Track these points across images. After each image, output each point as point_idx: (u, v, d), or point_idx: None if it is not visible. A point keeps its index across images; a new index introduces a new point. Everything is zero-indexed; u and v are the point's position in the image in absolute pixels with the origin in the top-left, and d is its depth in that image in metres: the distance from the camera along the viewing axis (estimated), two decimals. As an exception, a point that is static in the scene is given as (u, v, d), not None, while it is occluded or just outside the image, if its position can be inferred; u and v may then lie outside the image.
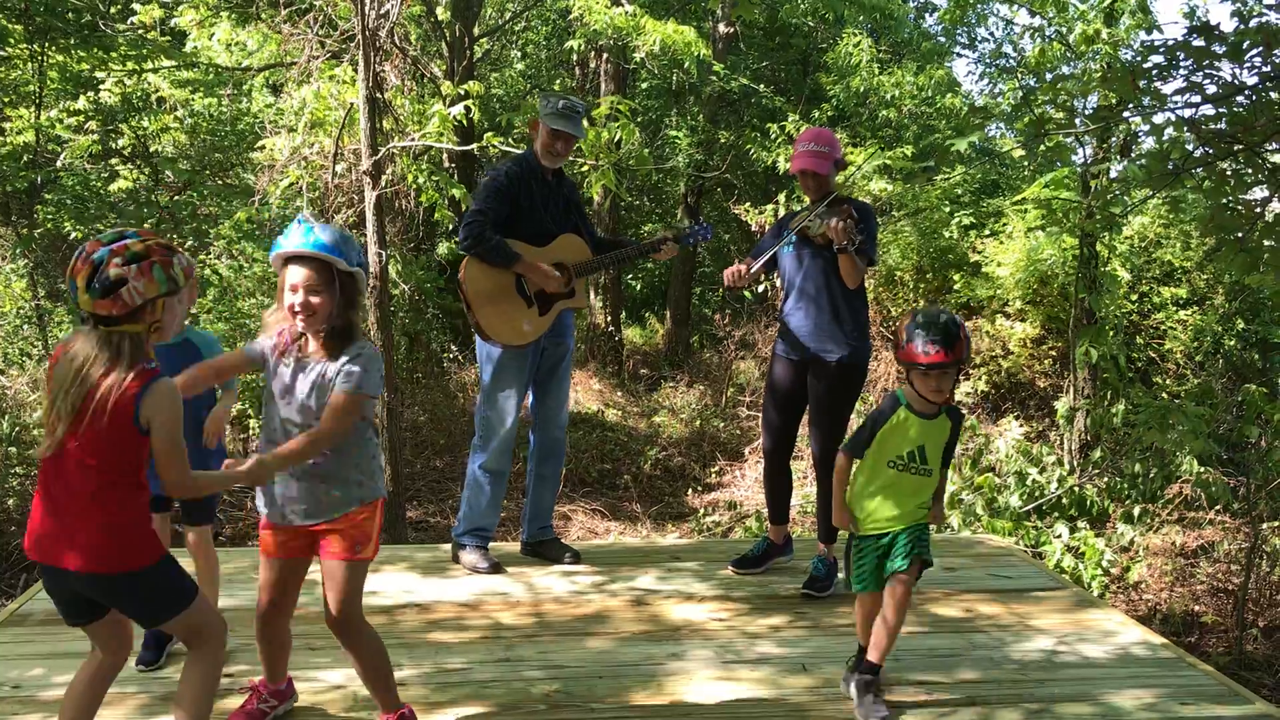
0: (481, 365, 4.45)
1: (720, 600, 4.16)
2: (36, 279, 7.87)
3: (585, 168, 7.60)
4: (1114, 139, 7.58)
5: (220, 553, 4.53)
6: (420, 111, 8.09)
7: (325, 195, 7.92)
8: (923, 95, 12.17)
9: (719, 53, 12.37)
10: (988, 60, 16.30)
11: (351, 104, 7.42)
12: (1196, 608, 5.90)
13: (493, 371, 4.36)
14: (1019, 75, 11.41)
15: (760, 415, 4.97)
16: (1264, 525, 6.16)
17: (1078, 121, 4.19)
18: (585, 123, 4.67)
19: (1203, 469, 6.80)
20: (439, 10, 10.35)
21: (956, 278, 9.57)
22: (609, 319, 12.97)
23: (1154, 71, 3.35)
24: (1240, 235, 3.57)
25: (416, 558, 4.64)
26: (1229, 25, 7.87)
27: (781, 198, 9.90)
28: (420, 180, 7.79)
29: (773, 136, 10.85)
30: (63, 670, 3.29)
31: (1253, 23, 3.31)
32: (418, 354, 10.27)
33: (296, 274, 2.66)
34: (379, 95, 7.16)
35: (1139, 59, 3.49)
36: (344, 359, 2.69)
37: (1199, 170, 3.56)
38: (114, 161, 8.70)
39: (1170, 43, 3.29)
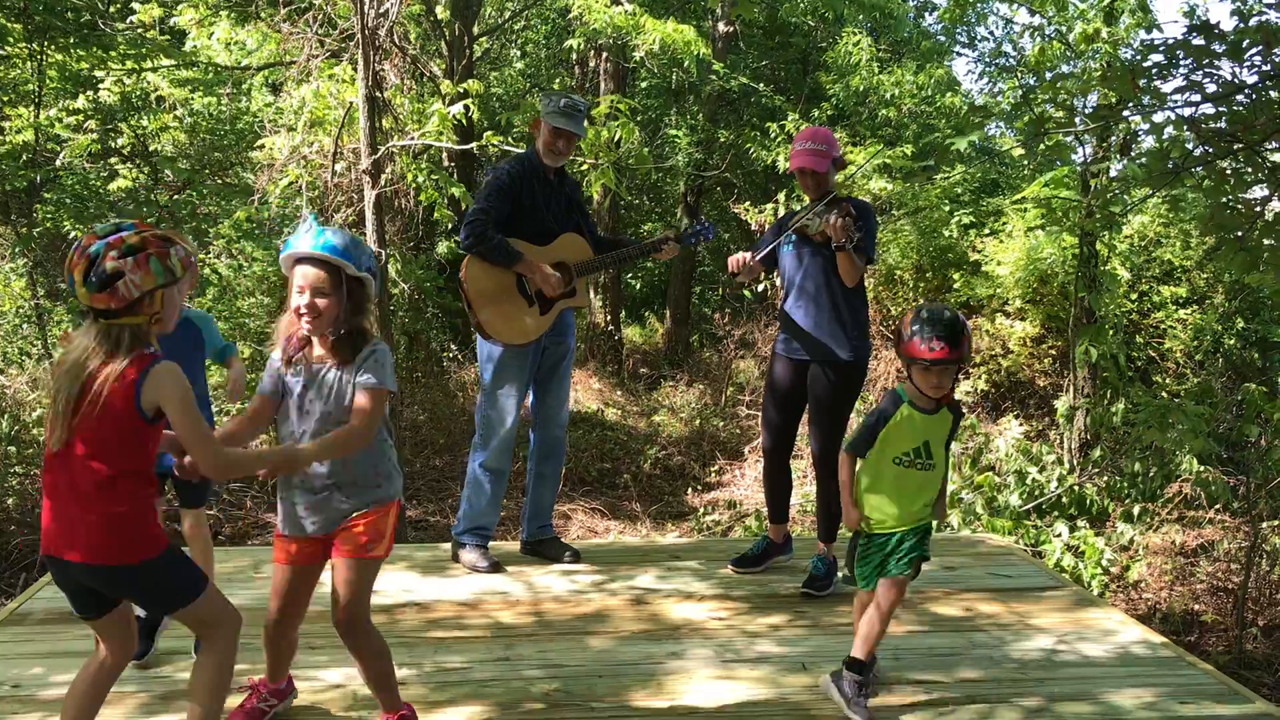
0: (482, 364, 4.45)
1: (720, 599, 4.16)
2: (36, 278, 7.87)
3: (585, 167, 7.60)
4: (1114, 138, 7.58)
5: (220, 552, 4.55)
6: (420, 110, 8.08)
7: (324, 194, 7.91)
8: (922, 94, 12.16)
9: (719, 52, 12.37)
10: (987, 59, 16.29)
11: (351, 103, 7.42)
12: (1196, 607, 5.90)
13: (493, 370, 4.36)
14: (1019, 74, 11.41)
15: (760, 414, 4.97)
16: (1264, 524, 6.16)
17: (1077, 120, 4.19)
18: (585, 122, 4.66)
19: (1202, 468, 6.80)
20: (438, 9, 10.34)
21: (956, 276, 9.57)
22: (609, 318, 12.97)
23: (1154, 70, 3.35)
24: (1240, 234, 3.57)
25: (416, 557, 4.64)
26: (1229, 24, 7.88)
27: (781, 197, 9.90)
28: (420, 179, 7.78)
29: (772, 135, 10.85)
30: (62, 669, 3.29)
31: (1252, 21, 3.31)
32: (417, 353, 10.27)
33: (304, 275, 2.65)
34: (378, 94, 7.16)
35: (1139, 58, 3.48)
36: (359, 361, 2.69)
37: (1199, 169, 3.56)
38: (113, 160, 8.70)
39: (1170, 41, 3.29)
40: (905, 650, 3.61)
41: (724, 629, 3.83)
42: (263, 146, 8.10)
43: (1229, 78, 3.32)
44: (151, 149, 8.73)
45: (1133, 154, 7.49)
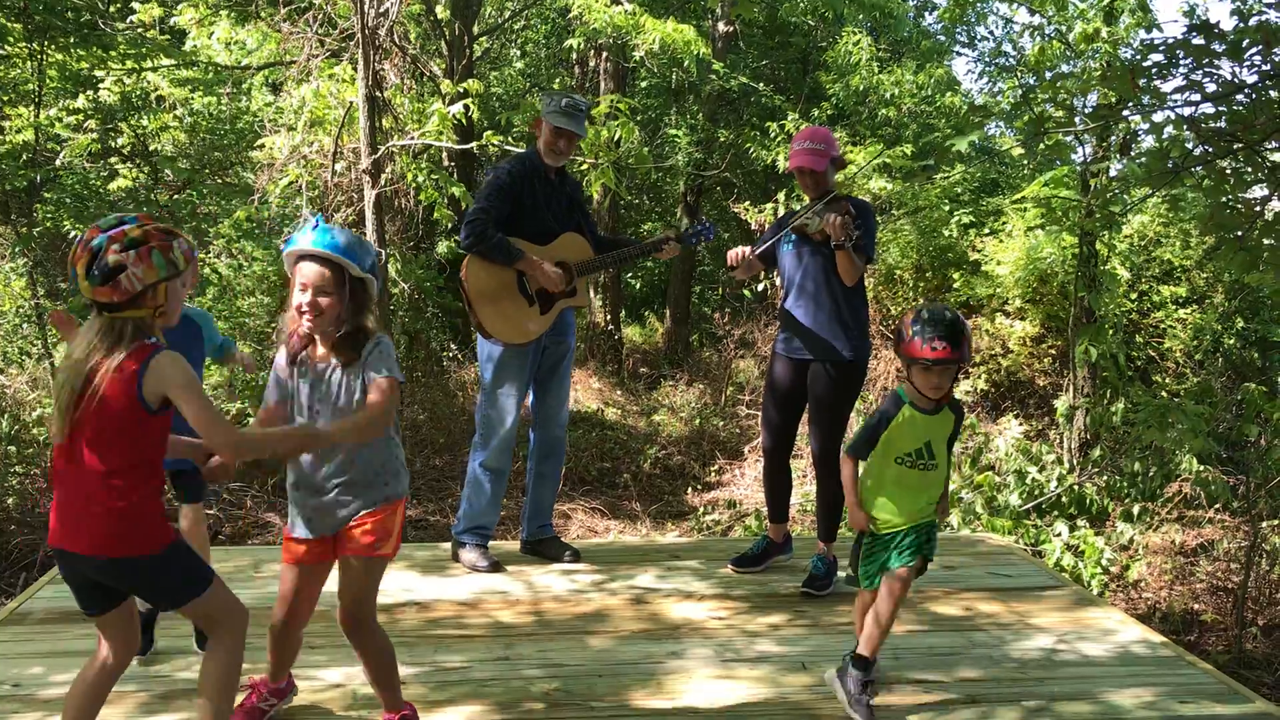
0: (482, 364, 4.45)
1: (720, 599, 4.16)
2: (36, 278, 7.86)
3: (585, 166, 7.60)
4: (1113, 137, 7.58)
5: (220, 551, 4.56)
6: (420, 110, 8.09)
7: (325, 194, 7.92)
8: (922, 94, 12.15)
9: (718, 51, 12.37)
10: (987, 59, 16.30)
11: (351, 102, 7.42)
12: (1196, 606, 5.90)
13: (494, 370, 4.36)
14: (1019, 74, 11.40)
15: (760, 414, 4.97)
16: (1263, 524, 6.16)
17: (1077, 120, 4.19)
18: (586, 122, 4.67)
19: (1202, 467, 6.80)
20: (438, 9, 10.34)
21: (956, 276, 9.57)
22: (608, 318, 12.97)
23: (1153, 70, 3.35)
24: (1240, 234, 3.57)
25: (416, 556, 4.64)
26: (1229, 24, 7.88)
27: (781, 196, 9.89)
28: (420, 179, 7.78)
29: (772, 135, 10.84)
30: (62, 669, 3.29)
31: (1252, 21, 3.31)
32: (417, 353, 10.26)
33: (307, 273, 2.65)
34: (378, 94, 7.16)
35: (1138, 57, 3.48)
36: (365, 356, 2.70)
37: (1198, 169, 3.56)
38: (113, 160, 8.70)
39: (1170, 41, 3.28)
40: (905, 650, 3.61)
41: (724, 628, 3.83)
42: (263, 146, 8.11)
43: (1229, 77, 3.32)
44: (151, 149, 8.72)
45: (1132, 153, 7.49)
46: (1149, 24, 8.24)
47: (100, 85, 8.08)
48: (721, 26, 12.74)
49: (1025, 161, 11.24)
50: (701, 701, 3.21)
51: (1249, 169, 3.56)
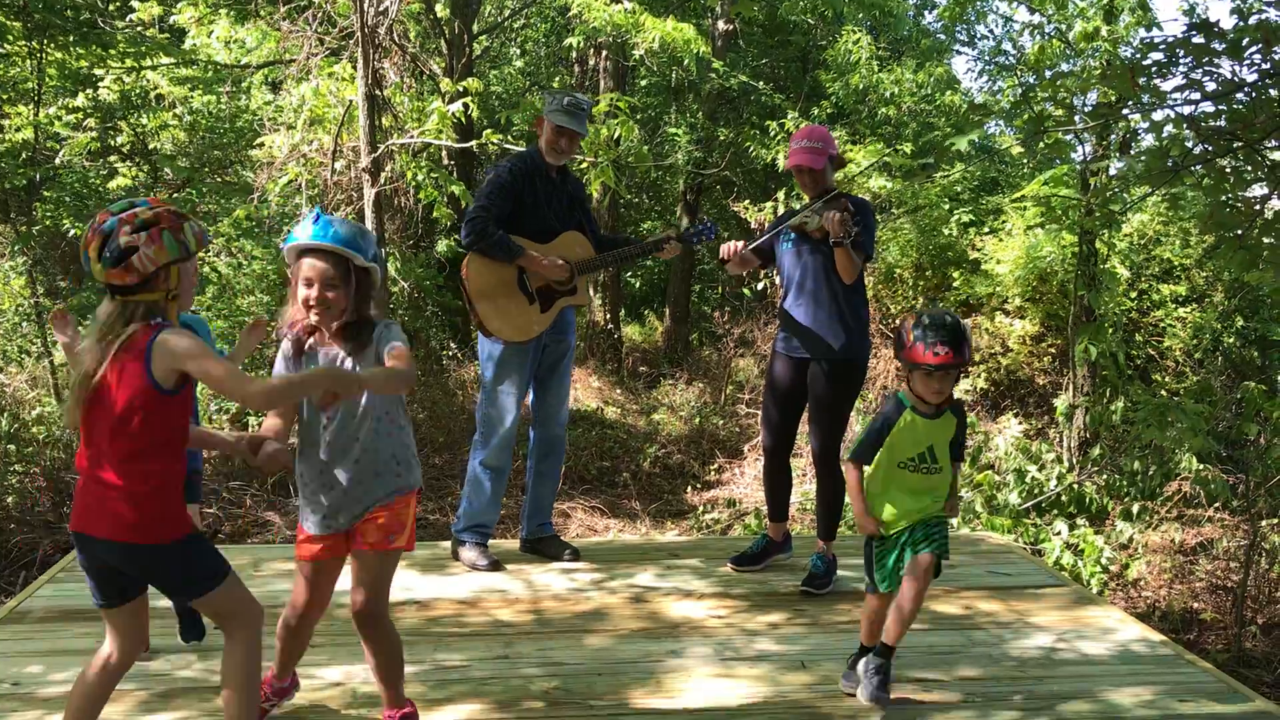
0: (483, 362, 4.45)
1: (719, 597, 4.16)
2: (35, 276, 7.87)
3: (585, 165, 7.60)
4: (1113, 136, 7.58)
5: (220, 550, 4.54)
6: (419, 109, 8.09)
7: (324, 192, 7.92)
8: (922, 92, 12.15)
9: (718, 50, 12.36)
10: (987, 57, 16.29)
11: (350, 101, 7.42)
12: (1195, 605, 5.90)
13: (494, 368, 4.36)
14: (1018, 72, 11.40)
15: (760, 412, 4.97)
16: (1263, 522, 6.16)
17: (1077, 119, 4.19)
18: (587, 120, 4.66)
19: (1202, 466, 6.80)
20: (438, 7, 10.34)
21: (956, 275, 9.57)
22: (608, 316, 12.96)
23: (1153, 68, 3.34)
24: (1240, 232, 3.56)
25: (416, 555, 4.63)
26: (1228, 22, 7.88)
27: (781, 195, 9.89)
28: (419, 177, 7.79)
29: (772, 134, 10.84)
30: (61, 668, 3.30)
31: (1252, 20, 3.31)
32: (417, 351, 10.26)
33: (311, 267, 2.64)
34: (378, 92, 7.17)
35: (1138, 56, 3.48)
36: (375, 340, 2.71)
37: (1198, 167, 3.56)
38: (113, 159, 8.70)
39: (1170, 40, 3.28)
40: (905, 648, 3.59)
41: (723, 627, 3.83)
42: (262, 144, 8.10)
43: (1229, 76, 3.32)
44: (151, 147, 8.73)
45: (1132, 152, 7.48)
46: (1149, 22, 8.24)
47: (100, 84, 8.09)
48: (721, 25, 12.74)
49: (1025, 160, 11.23)
50: (701, 700, 3.21)
51: (1249, 168, 3.55)
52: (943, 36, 15.52)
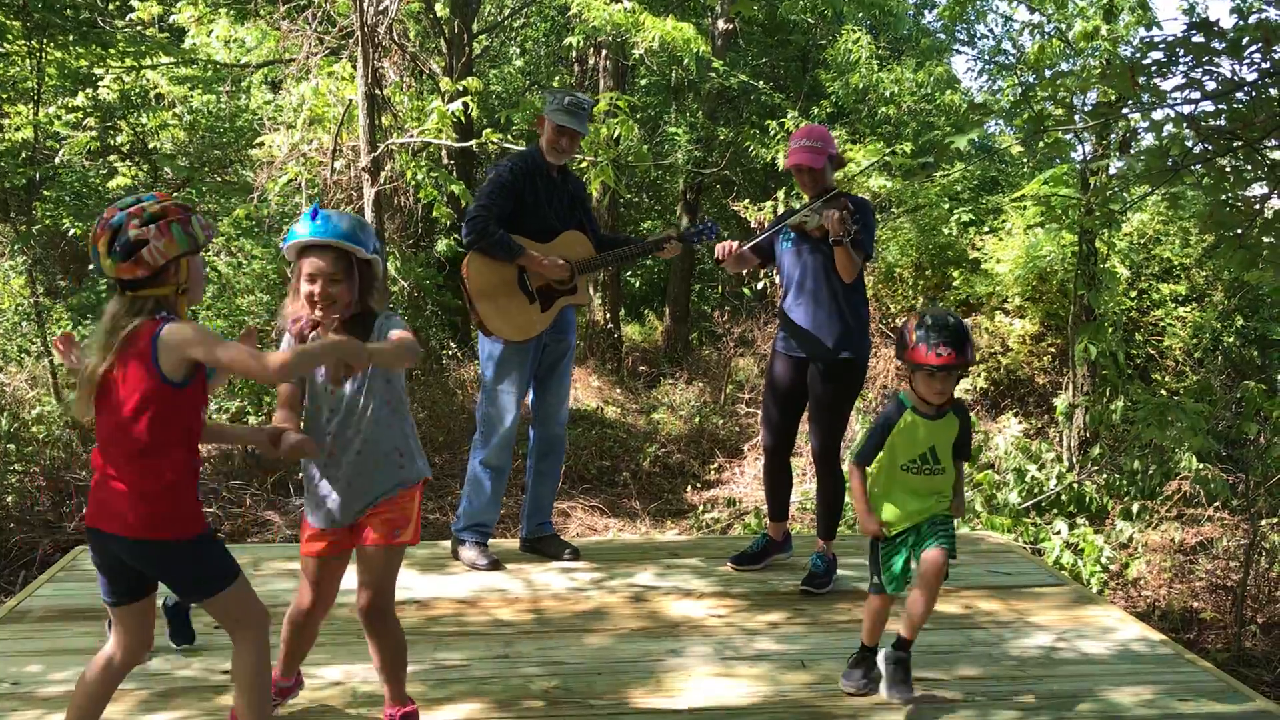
0: (483, 361, 4.45)
1: (719, 597, 4.16)
2: (35, 275, 7.87)
3: (584, 164, 7.59)
4: (1113, 135, 7.58)
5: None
6: (419, 108, 8.09)
7: (324, 192, 7.92)
8: (922, 92, 12.15)
9: (718, 49, 12.36)
10: (987, 57, 16.30)
11: (350, 100, 7.42)
12: (1195, 604, 5.90)
13: (494, 367, 4.36)
14: (1018, 71, 11.40)
15: (759, 412, 4.97)
16: (1263, 522, 6.16)
17: (1077, 118, 4.19)
18: (588, 120, 4.67)
19: (1201, 465, 6.80)
20: (437, 6, 10.34)
21: (956, 274, 9.57)
22: (608, 316, 12.97)
23: (1153, 68, 3.34)
24: (1239, 232, 3.57)
25: (415, 554, 4.63)
26: (1228, 21, 7.87)
27: (781, 194, 9.89)
28: (419, 177, 7.78)
29: (772, 133, 10.84)
30: (61, 667, 3.30)
31: (1252, 19, 3.31)
32: (417, 350, 10.27)
33: (314, 263, 2.64)
34: (378, 92, 7.16)
35: (1138, 55, 3.48)
36: (376, 330, 2.71)
37: (1198, 166, 3.56)
38: (112, 158, 8.70)
39: (1169, 39, 3.28)
40: (904, 647, 3.61)
41: (723, 626, 3.83)
42: (262, 144, 8.10)
43: (1228, 75, 3.31)
44: (151, 147, 8.72)
45: (1132, 151, 7.48)
46: (1148, 22, 8.24)
47: (99, 83, 8.08)
48: (721, 24, 12.74)
49: (1025, 159, 11.23)
50: (701, 699, 3.21)
51: (1249, 167, 3.55)
52: (943, 36, 15.53)
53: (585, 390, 10.60)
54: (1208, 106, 3.43)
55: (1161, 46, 3.30)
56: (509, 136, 10.41)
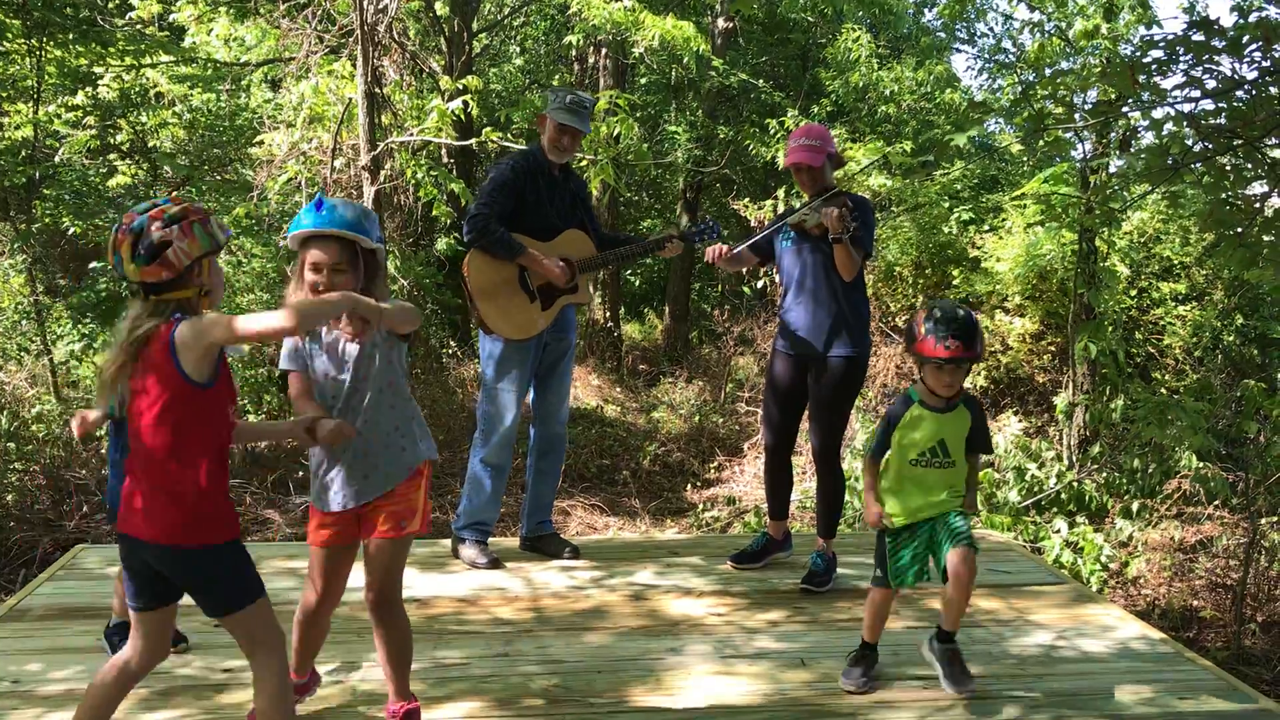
0: (483, 360, 4.46)
1: (719, 595, 4.16)
2: (35, 274, 7.86)
3: (584, 162, 7.59)
4: (1113, 134, 7.57)
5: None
6: (419, 107, 8.08)
7: (324, 190, 7.91)
8: (922, 90, 12.15)
9: (718, 48, 12.36)
10: (987, 55, 16.29)
11: (350, 99, 7.42)
12: (1195, 603, 5.90)
13: (495, 366, 4.36)
14: (1018, 70, 11.39)
15: (760, 411, 4.97)
16: (1262, 520, 6.16)
17: (1077, 117, 4.19)
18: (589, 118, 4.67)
19: (1201, 464, 6.80)
20: (437, 5, 10.33)
21: (955, 273, 9.57)
22: (608, 314, 12.97)
23: (1153, 66, 3.35)
24: (1240, 230, 3.57)
25: (415, 552, 4.63)
26: (1228, 20, 7.87)
27: (780, 193, 9.88)
28: (419, 175, 7.78)
29: (772, 132, 10.83)
30: (61, 666, 3.30)
31: (1252, 17, 3.31)
32: (416, 349, 10.27)
33: (318, 253, 2.64)
34: (377, 90, 7.16)
35: (1138, 54, 3.48)
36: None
37: (1198, 165, 3.56)
38: (112, 157, 8.69)
39: (1170, 38, 3.28)
40: (904, 646, 3.61)
41: (723, 625, 3.83)
42: (262, 142, 8.10)
43: (1228, 74, 3.32)
44: (150, 145, 8.72)
45: (1132, 150, 7.48)
46: (1149, 20, 8.22)
47: (99, 82, 8.08)
48: (721, 23, 12.74)
49: (1025, 158, 11.24)
50: (700, 698, 3.21)
51: (1249, 165, 3.55)
52: (942, 34, 15.53)
53: (585, 389, 10.60)
54: (1208, 105, 3.43)
55: (1161, 45, 3.31)
56: (509, 135, 10.40)
